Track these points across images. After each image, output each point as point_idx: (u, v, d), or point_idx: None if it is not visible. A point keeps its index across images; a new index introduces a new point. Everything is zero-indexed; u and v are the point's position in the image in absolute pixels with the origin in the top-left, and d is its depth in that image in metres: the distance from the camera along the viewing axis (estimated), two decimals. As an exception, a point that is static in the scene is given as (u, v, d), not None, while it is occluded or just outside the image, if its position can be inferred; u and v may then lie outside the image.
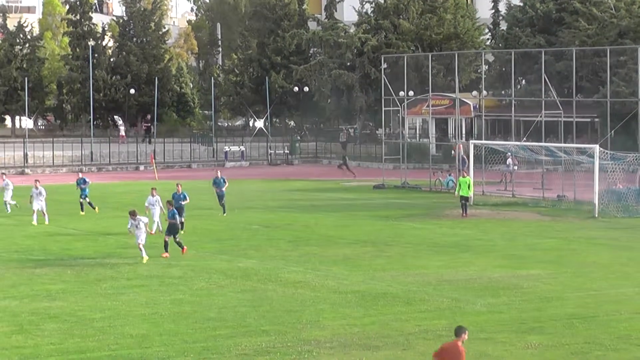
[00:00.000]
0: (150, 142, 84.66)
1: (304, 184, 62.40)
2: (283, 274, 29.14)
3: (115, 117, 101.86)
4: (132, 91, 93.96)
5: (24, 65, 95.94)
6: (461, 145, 65.91)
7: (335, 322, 22.71)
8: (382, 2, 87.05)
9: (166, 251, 32.02)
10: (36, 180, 42.98)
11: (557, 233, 38.32)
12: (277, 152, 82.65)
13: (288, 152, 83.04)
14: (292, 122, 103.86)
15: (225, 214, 43.40)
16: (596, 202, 43.28)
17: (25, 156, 74.54)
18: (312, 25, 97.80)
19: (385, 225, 40.63)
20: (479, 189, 50.68)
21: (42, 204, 41.25)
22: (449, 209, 45.28)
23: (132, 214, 31.47)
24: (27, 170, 71.58)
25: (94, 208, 44.81)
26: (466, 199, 43.86)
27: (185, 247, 32.55)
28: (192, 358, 19.96)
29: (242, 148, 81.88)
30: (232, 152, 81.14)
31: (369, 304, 24.69)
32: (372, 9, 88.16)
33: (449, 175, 57.27)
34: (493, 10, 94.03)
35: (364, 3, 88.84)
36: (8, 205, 44.67)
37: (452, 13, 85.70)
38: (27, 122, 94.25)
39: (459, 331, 16.25)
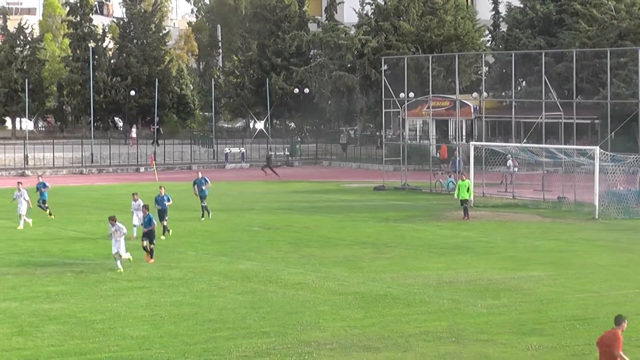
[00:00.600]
0: (158, 144, 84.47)
1: (304, 185, 62.40)
2: (283, 275, 29.14)
3: (115, 118, 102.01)
4: (133, 93, 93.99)
5: (25, 67, 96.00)
6: (445, 147, 66.00)
7: (336, 324, 22.71)
8: (383, 3, 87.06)
9: (147, 253, 31.58)
10: (19, 183, 42.17)
11: (557, 235, 38.31)
12: (277, 153, 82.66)
13: (288, 153, 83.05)
14: (292, 124, 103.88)
15: (204, 218, 42.39)
16: (596, 203, 43.25)
17: (26, 158, 74.54)
18: (312, 26, 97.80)
19: (385, 227, 40.61)
20: (480, 190, 50.66)
21: (20, 207, 40.48)
22: (449, 211, 45.25)
23: (112, 219, 30.45)
24: (27, 172, 71.55)
25: (51, 215, 43.67)
26: (466, 202, 43.71)
27: (152, 259, 31.52)
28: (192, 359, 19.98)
29: (243, 150, 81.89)
30: (232, 154, 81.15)
31: (369, 306, 24.68)
32: (372, 10, 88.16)
33: (450, 176, 57.26)
34: (493, 12, 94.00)
35: (364, 5, 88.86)
36: None
37: (453, 15, 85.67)
38: (27, 124, 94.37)
39: (618, 320, 16.34)
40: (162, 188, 38.25)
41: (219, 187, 59.95)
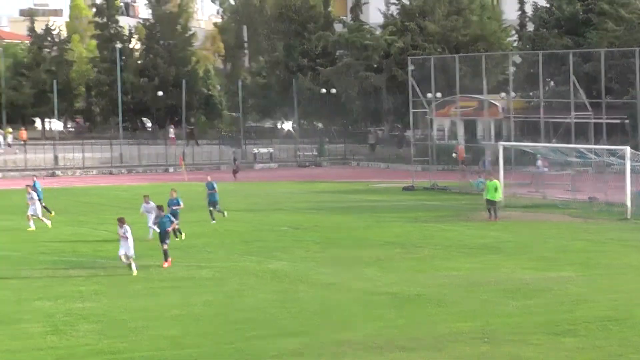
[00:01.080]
0: (197, 144, 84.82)
1: (333, 185, 62.44)
2: (314, 275, 29.21)
3: (143, 119, 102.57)
4: (160, 93, 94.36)
5: (53, 68, 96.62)
6: (462, 147, 65.79)
7: (368, 324, 22.73)
8: (408, 3, 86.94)
9: (166, 260, 31.00)
10: (27, 186, 41.80)
11: (588, 235, 38.13)
12: (305, 154, 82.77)
13: (317, 154, 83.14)
14: (320, 124, 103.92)
15: (214, 221, 41.57)
16: (628, 204, 42.99)
17: (56, 158, 75.01)
18: (337, 27, 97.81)
19: (414, 227, 40.59)
20: (509, 190, 50.49)
21: (34, 208, 40.50)
22: (478, 211, 45.12)
23: (120, 221, 30.05)
24: (57, 172, 72.03)
25: (51, 212, 43.52)
26: (492, 202, 43.19)
27: (168, 261, 30.98)
28: (225, 359, 20.03)
29: (271, 150, 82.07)
30: (260, 154, 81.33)
31: (401, 306, 24.68)
32: (397, 10, 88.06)
33: (479, 176, 57.05)
34: (519, 12, 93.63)
35: (389, 5, 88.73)
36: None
37: (478, 15, 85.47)
38: (56, 125, 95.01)
39: None
40: (174, 191, 38.05)
41: (246, 187, 60.18)
